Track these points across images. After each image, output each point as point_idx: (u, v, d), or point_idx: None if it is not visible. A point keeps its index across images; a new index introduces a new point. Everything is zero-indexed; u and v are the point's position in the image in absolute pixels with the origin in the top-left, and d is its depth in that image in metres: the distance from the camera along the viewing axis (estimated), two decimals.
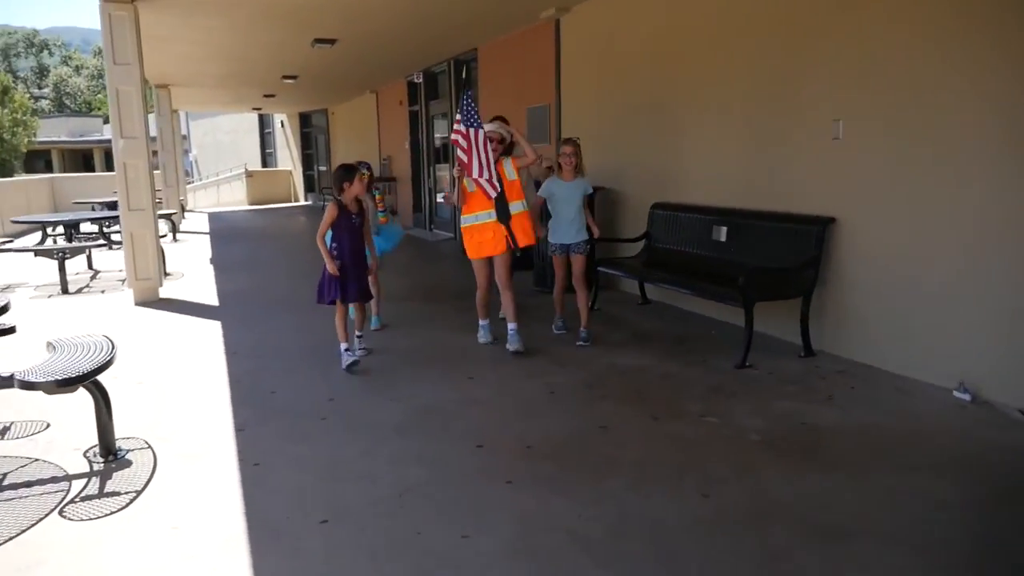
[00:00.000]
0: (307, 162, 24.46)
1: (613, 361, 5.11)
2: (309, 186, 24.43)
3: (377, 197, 6.14)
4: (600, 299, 6.79)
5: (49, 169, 45.51)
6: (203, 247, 12.50)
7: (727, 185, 6.05)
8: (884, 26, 4.57)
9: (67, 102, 65.86)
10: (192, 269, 9.88)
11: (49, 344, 3.81)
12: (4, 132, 33.43)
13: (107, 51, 7.25)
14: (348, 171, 5.01)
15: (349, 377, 4.92)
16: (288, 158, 25.72)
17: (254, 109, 22.94)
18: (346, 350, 5.07)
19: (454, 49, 11.20)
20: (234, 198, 24.99)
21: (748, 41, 5.70)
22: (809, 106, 5.16)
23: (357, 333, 5.43)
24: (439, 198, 13.45)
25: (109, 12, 7.12)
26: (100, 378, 3.52)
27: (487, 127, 5.33)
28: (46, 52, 69.04)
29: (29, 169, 41.99)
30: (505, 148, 5.48)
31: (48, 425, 4.14)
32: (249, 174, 24.37)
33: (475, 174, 5.15)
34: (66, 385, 3.23)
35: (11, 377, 3.33)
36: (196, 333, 6.27)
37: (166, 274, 9.28)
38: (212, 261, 10.68)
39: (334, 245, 5.02)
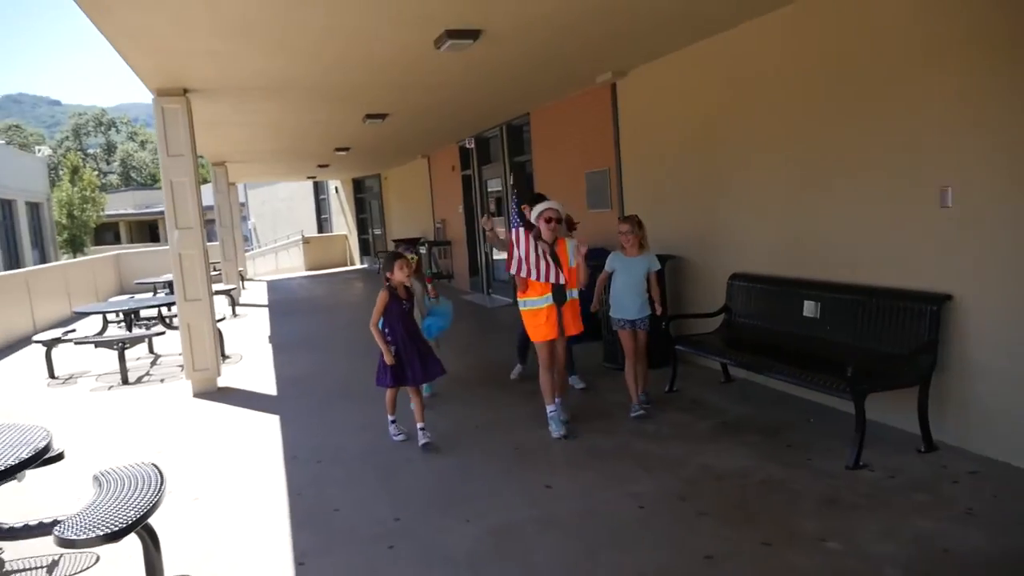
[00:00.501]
0: (362, 226, 24.67)
1: (706, 462, 4.60)
2: (364, 250, 24.59)
3: (427, 279, 6.17)
4: (678, 376, 6.29)
5: (117, 240, 47.49)
6: (261, 322, 12.43)
7: (816, 254, 5.55)
8: (991, 87, 4.09)
9: (133, 175, 69.02)
10: (250, 350, 9.73)
11: (95, 478, 3.52)
12: (75, 209, 34.84)
13: (160, 143, 7.22)
14: (390, 259, 5.19)
15: (414, 488, 4.52)
16: (343, 223, 26.02)
17: (309, 178, 23.33)
18: (392, 422, 5.45)
19: (506, 114, 11.02)
20: (292, 264, 25.29)
21: (838, 96, 5.25)
22: (911, 171, 4.66)
23: (419, 425, 5.28)
24: (495, 255, 13.17)
25: (162, 106, 7.10)
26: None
27: (542, 206, 5.25)
28: (113, 129, 72.66)
29: (99, 241, 43.78)
30: (567, 226, 5.50)
31: (97, 559, 3.84)
32: (306, 240, 24.68)
33: (513, 269, 5.17)
34: (112, 540, 2.91)
35: (51, 525, 3.04)
36: (255, 431, 5.98)
37: (225, 357, 9.16)
38: (270, 339, 10.54)
39: (387, 330, 5.12)
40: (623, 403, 5.89)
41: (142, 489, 3.32)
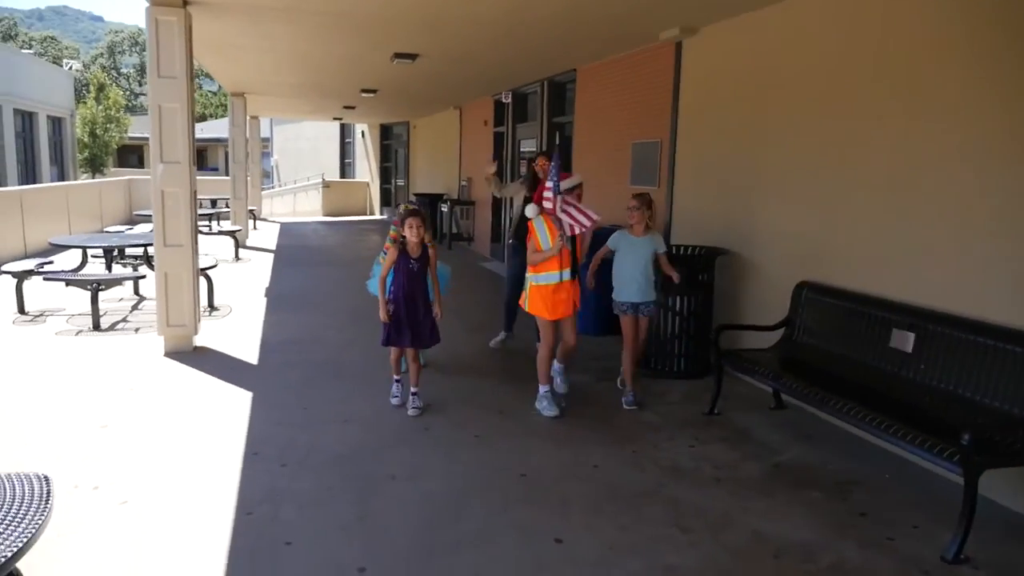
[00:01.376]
0: (385, 175, 23.66)
1: (758, 527, 3.64)
2: (385, 200, 23.63)
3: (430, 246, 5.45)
4: (720, 395, 5.32)
5: (141, 164, 46.79)
6: (264, 270, 11.57)
7: (915, 273, 4.50)
8: None
9: None
10: (243, 302, 8.87)
11: None
12: (98, 128, 34.05)
13: (151, 61, 6.25)
14: (405, 214, 5.01)
15: (393, 520, 3.61)
16: (366, 170, 25.03)
17: (335, 119, 22.30)
18: (397, 380, 5.34)
19: (550, 69, 9.90)
20: (310, 207, 24.41)
21: (967, 75, 4.15)
22: None
23: (412, 389, 5.18)
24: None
25: (156, 17, 6.10)
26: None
27: (574, 180, 5.22)
28: None
29: (121, 163, 43.10)
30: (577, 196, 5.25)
31: None
32: (326, 184, 23.77)
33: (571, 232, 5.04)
34: None
35: None
36: (220, 411, 5.10)
37: (212, 308, 8.31)
38: (267, 292, 9.67)
39: (391, 287, 5.02)
40: (658, 424, 4.96)
41: (10, 519, 2.43)
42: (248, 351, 6.68)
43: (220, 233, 12.81)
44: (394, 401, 5.27)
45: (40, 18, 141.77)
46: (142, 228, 12.21)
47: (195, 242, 6.60)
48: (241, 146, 14.26)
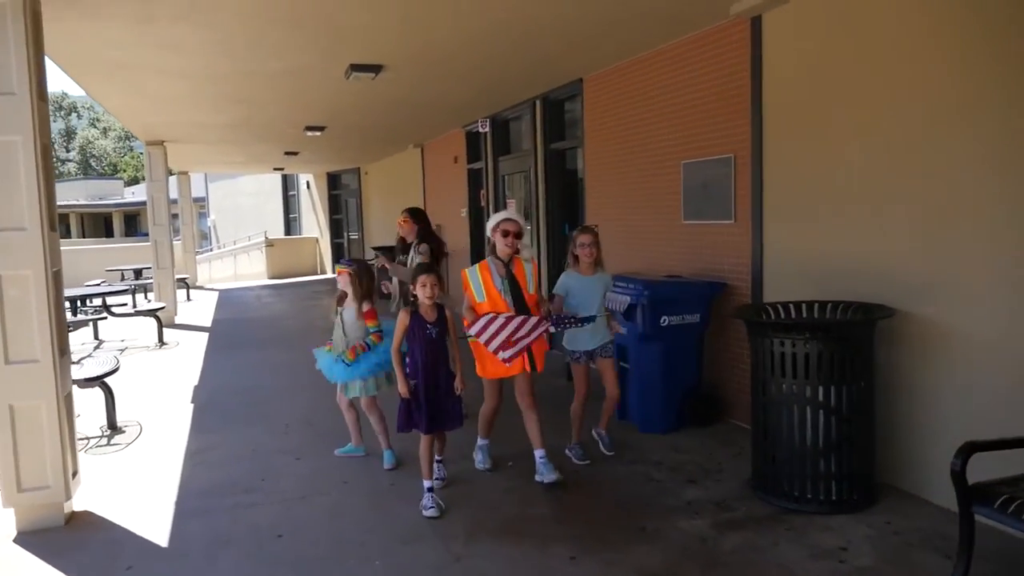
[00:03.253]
0: (336, 228, 21.29)
1: None
2: (338, 256, 21.20)
3: (365, 310, 4.93)
4: (892, 524, 3.12)
5: (68, 234, 43.34)
6: (194, 358, 9.06)
7: None
8: None
9: (94, 164, 64.56)
10: (159, 414, 6.41)
11: None
12: None
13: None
14: (418, 270, 4.25)
15: None
16: (315, 224, 22.62)
17: (275, 169, 19.92)
18: (429, 489, 4.15)
19: (546, 82, 7.83)
20: (253, 270, 21.81)
21: None
22: None
23: (436, 457, 4.47)
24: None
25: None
26: None
27: (500, 216, 4.48)
28: (74, 114, 68.06)
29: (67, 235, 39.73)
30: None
31: None
32: (269, 243, 21.24)
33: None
34: None
35: None
36: None
37: (113, 431, 5.88)
38: (195, 394, 7.20)
39: (406, 359, 4.20)
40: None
41: None
42: (154, 515, 4.24)
43: (138, 313, 10.25)
44: (428, 512, 4.09)
45: None
46: None
47: (61, 352, 4.19)
48: (163, 206, 11.78)
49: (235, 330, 11.37)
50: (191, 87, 7.47)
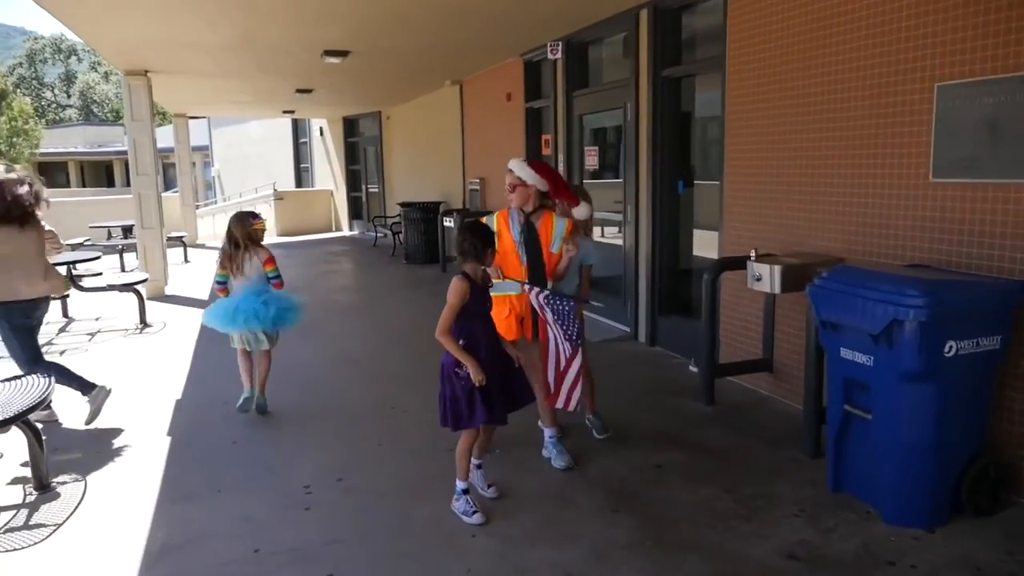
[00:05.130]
0: (353, 181, 19.00)
1: None
2: (355, 212, 19.00)
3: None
4: None
5: (68, 183, 41.10)
6: (181, 348, 6.98)
7: None
8: None
9: (95, 110, 61.93)
10: (116, 454, 4.35)
11: None
12: (1, 143, 28.68)
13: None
14: (474, 234, 3.38)
15: None
16: (328, 175, 20.34)
17: (285, 113, 17.55)
18: (464, 491, 3.48)
19: None
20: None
21: None
22: None
23: (475, 462, 3.63)
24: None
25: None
26: None
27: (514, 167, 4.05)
28: (74, 57, 65.07)
29: (49, 183, 37.50)
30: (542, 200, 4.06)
31: None
32: (279, 196, 18.99)
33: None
34: None
35: None
36: None
37: (40, 491, 3.84)
38: (176, 414, 5.13)
39: (461, 341, 3.34)
40: None
41: None
42: None
43: (111, 288, 8.10)
44: (472, 519, 3.41)
45: None
46: None
47: None
48: (146, 151, 9.55)
49: None
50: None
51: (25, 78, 61.65)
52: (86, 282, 8.21)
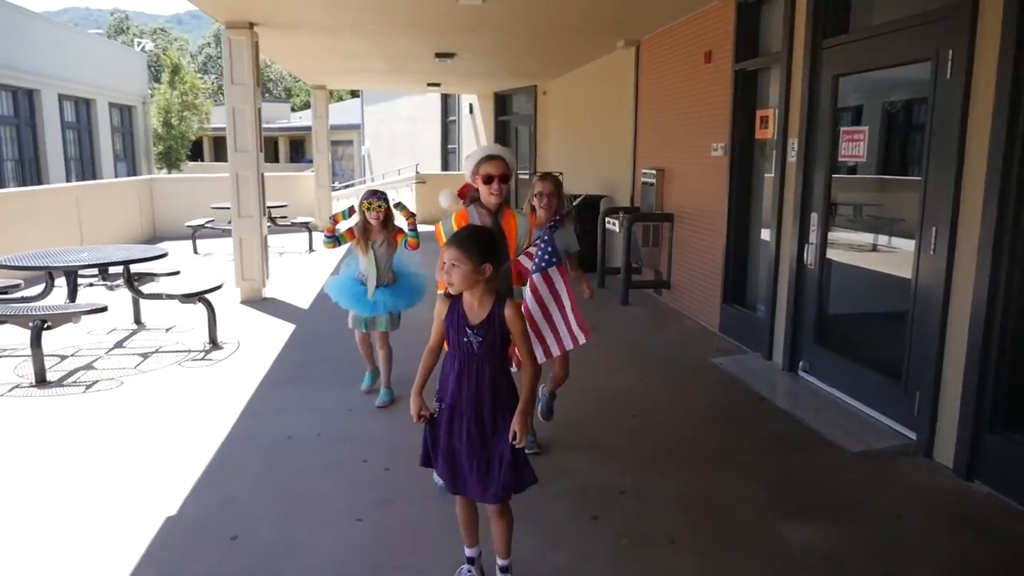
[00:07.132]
0: None
1: None
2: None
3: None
4: None
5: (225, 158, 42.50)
6: (242, 388, 5.04)
7: None
8: None
9: (271, 87, 64.45)
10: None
11: None
12: (172, 117, 29.35)
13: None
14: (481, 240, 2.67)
15: None
16: None
17: (429, 86, 15.69)
18: (469, 560, 2.85)
19: None
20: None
21: None
22: None
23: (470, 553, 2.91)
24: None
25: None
26: None
27: (483, 152, 3.57)
28: None
29: (213, 157, 38.88)
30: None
31: None
32: (420, 179, 17.27)
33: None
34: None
35: None
36: None
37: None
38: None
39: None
40: None
41: None
42: None
43: (169, 296, 6.27)
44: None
45: (179, 22, 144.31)
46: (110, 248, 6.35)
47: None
48: (248, 122, 7.68)
49: (338, 327, 6.93)
50: None
51: (212, 57, 65.17)
52: (145, 288, 6.47)
